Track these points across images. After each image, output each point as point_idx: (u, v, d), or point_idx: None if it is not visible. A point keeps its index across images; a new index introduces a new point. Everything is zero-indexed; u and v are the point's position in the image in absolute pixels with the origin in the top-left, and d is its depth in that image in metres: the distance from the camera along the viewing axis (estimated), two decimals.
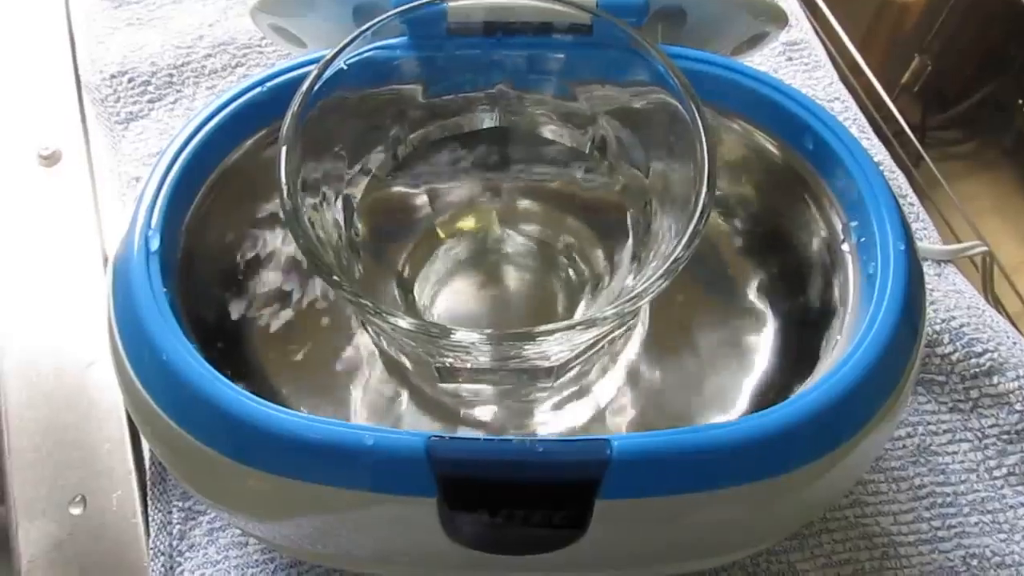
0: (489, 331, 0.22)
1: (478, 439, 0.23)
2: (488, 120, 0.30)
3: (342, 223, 0.27)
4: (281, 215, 0.23)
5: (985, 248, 0.40)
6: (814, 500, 0.26)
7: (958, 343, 0.36)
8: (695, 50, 0.29)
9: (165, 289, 0.25)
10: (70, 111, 0.43)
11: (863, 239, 0.27)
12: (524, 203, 0.31)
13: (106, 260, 0.39)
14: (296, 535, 0.26)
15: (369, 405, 0.29)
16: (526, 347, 0.23)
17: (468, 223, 0.31)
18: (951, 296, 0.37)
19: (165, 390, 0.24)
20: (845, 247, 0.27)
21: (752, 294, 0.30)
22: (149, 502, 0.34)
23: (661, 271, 0.23)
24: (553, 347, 0.24)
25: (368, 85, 0.28)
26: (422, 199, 0.31)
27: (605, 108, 0.29)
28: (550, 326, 0.22)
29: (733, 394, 0.28)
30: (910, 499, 0.34)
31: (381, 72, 0.28)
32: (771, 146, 0.30)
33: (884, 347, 0.24)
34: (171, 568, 0.32)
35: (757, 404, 0.28)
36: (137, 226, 0.26)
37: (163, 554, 0.33)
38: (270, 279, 0.29)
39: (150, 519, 0.33)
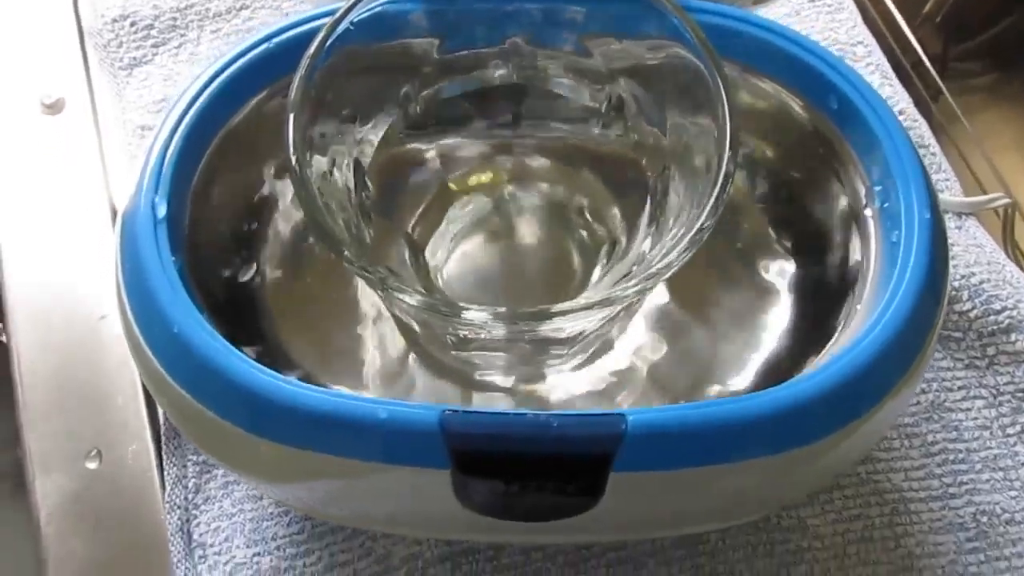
0: (502, 309, 0.21)
1: (492, 413, 0.22)
2: (501, 76, 0.29)
3: (352, 187, 0.26)
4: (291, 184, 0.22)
5: (1008, 200, 0.40)
6: (832, 468, 0.26)
7: (977, 300, 0.35)
8: (716, 3, 0.28)
9: (174, 258, 0.24)
10: (73, 57, 0.42)
11: (887, 204, 0.26)
12: (538, 161, 0.31)
13: (114, 212, 0.39)
14: (308, 498, 0.26)
15: (383, 371, 0.28)
16: (541, 326, 0.22)
17: (481, 181, 0.31)
18: (971, 251, 0.37)
19: (176, 361, 0.24)
20: (868, 212, 0.27)
21: (772, 257, 0.30)
22: (164, 456, 0.34)
23: (685, 241, 0.22)
24: (569, 324, 0.23)
25: (378, 41, 0.27)
26: (434, 157, 0.30)
27: (622, 65, 0.28)
28: (567, 305, 0.21)
29: (750, 360, 0.28)
30: (922, 455, 0.34)
31: (391, 28, 0.27)
32: (794, 104, 0.29)
33: (905, 321, 0.23)
34: (187, 521, 0.33)
35: (775, 371, 0.28)
36: (143, 192, 0.25)
37: (179, 507, 0.33)
38: (281, 243, 0.29)
39: (165, 473, 0.34)
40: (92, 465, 0.34)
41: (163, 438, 0.34)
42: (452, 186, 0.30)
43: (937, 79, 0.45)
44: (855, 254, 0.27)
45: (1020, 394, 0.35)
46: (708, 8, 0.28)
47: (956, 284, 0.36)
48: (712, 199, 0.23)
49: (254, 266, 0.29)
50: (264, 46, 0.27)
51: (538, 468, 0.23)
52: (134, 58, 0.41)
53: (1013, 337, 0.35)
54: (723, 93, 0.24)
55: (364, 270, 0.22)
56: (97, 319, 0.37)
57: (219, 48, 0.41)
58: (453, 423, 0.22)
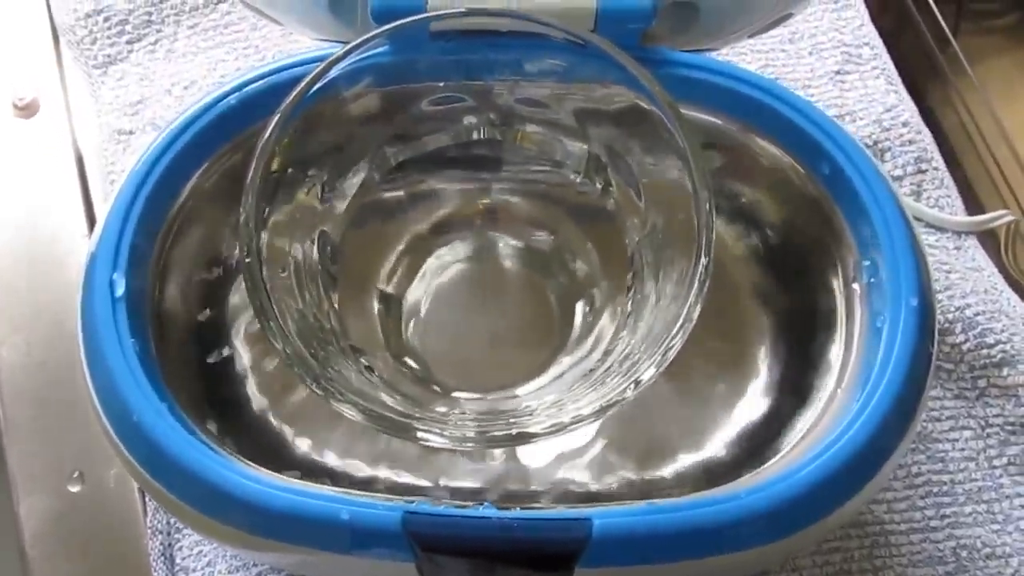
0: (470, 435, 0.21)
1: (455, 515, 0.22)
2: (476, 131, 0.28)
3: (316, 263, 0.25)
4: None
5: (1012, 217, 0.38)
6: (814, 542, 0.25)
7: (970, 332, 0.35)
8: (721, 63, 0.27)
9: (133, 340, 0.24)
10: (46, 56, 0.40)
11: (873, 280, 0.25)
12: (514, 211, 0.30)
13: (91, 221, 0.38)
14: (273, 563, 0.26)
15: (355, 438, 0.28)
16: (515, 446, 0.22)
17: (455, 229, 0.30)
18: (969, 277, 0.36)
19: (138, 447, 0.24)
20: (855, 287, 0.26)
21: (752, 325, 0.29)
22: None
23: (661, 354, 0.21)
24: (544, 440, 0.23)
25: (345, 98, 0.26)
26: (404, 211, 0.29)
27: (598, 124, 0.27)
28: (545, 429, 0.20)
29: (725, 431, 0.28)
30: (905, 487, 0.34)
31: (362, 82, 0.26)
32: (789, 167, 0.27)
33: (881, 422, 0.23)
34: (169, 546, 0.33)
35: (742, 452, 0.27)
36: (98, 267, 0.24)
37: (161, 532, 0.33)
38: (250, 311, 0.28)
39: (147, 497, 0.34)
40: (75, 488, 0.34)
41: None
42: (424, 240, 0.29)
43: (944, 26, 0.42)
44: (840, 332, 0.26)
45: (1009, 427, 0.35)
46: (711, 66, 0.27)
47: (950, 316, 0.35)
48: (684, 315, 0.22)
49: (224, 334, 0.28)
50: (226, 101, 0.26)
51: (504, 562, 0.23)
52: (108, 55, 0.39)
53: (1005, 372, 0.34)
54: (695, 177, 0.23)
55: (308, 385, 0.21)
56: (74, 336, 0.36)
57: (197, 44, 0.40)
58: (415, 523, 0.22)
